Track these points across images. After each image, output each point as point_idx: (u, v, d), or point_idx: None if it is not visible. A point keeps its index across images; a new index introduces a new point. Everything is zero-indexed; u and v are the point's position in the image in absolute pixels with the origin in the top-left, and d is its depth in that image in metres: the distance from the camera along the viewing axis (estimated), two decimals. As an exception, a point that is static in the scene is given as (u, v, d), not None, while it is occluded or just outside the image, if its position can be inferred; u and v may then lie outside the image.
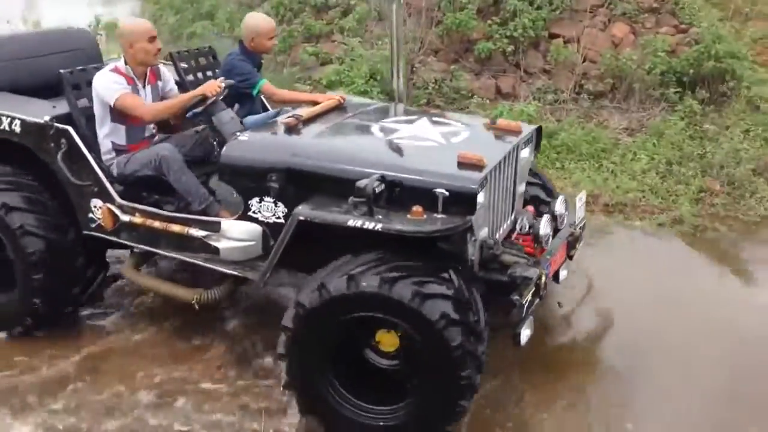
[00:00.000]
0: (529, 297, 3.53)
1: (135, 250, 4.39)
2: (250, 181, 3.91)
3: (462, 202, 3.50)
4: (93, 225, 4.26)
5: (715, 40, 7.63)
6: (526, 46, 8.20)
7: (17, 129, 4.22)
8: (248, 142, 3.95)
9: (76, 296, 4.41)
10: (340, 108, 4.46)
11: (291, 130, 4.01)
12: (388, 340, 3.54)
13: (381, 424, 3.45)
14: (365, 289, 3.23)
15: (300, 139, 3.99)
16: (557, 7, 8.33)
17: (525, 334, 3.52)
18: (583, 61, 8.06)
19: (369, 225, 3.44)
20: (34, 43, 4.72)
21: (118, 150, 4.25)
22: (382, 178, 3.52)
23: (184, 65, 4.99)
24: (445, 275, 3.32)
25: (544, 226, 3.83)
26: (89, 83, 4.24)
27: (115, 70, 4.21)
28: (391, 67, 4.71)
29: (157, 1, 10.91)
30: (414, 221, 3.47)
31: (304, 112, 4.22)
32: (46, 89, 4.47)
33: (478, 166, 3.64)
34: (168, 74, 4.53)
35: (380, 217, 3.43)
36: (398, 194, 3.54)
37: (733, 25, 8.57)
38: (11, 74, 4.46)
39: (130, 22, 4.51)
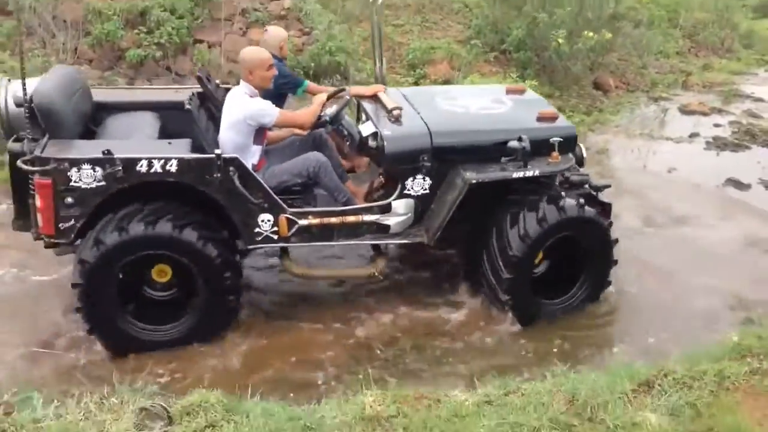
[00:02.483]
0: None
1: (286, 251, 4.86)
2: (408, 164, 4.76)
3: (568, 144, 4.96)
4: (259, 238, 4.61)
5: (329, 39, 9.36)
6: (174, 52, 9.17)
7: (172, 169, 4.28)
8: (399, 137, 4.78)
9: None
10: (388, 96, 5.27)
11: (397, 120, 4.91)
12: None
13: None
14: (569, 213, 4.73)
15: (431, 124, 4.87)
16: (198, 16, 9.44)
17: None
18: (228, 62, 9.28)
19: (529, 173, 4.76)
20: None
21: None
22: (520, 139, 4.66)
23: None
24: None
25: (584, 151, 5.24)
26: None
27: (254, 95, 4.65)
28: (374, 57, 5.65)
29: None
30: (555, 163, 4.84)
31: (389, 102, 5.06)
32: None
33: (554, 117, 5.12)
34: None
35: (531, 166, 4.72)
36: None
37: (348, 26, 10.43)
38: None
39: (252, 50, 4.81)
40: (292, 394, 4.11)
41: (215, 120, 4.97)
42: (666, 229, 6.47)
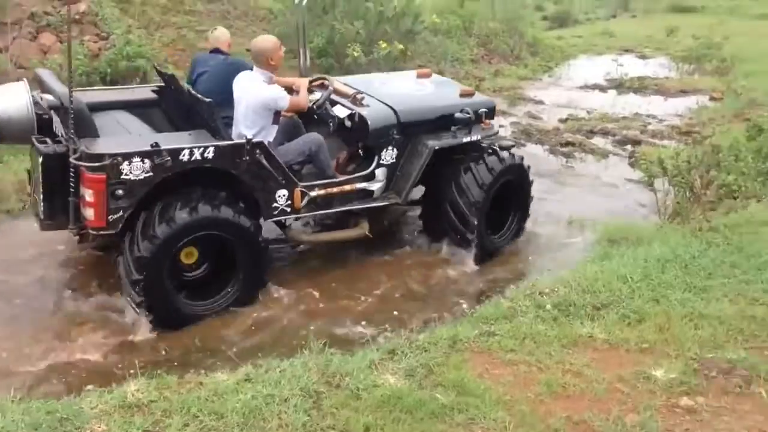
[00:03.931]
0: None
1: (286, 225, 5.53)
2: (383, 137, 5.59)
3: (491, 113, 6.15)
4: (276, 212, 5.16)
5: (127, 44, 9.26)
6: (-45, 57, 8.70)
7: (210, 155, 4.69)
8: (376, 116, 5.58)
9: None
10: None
11: (361, 103, 5.66)
12: None
13: None
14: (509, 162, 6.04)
15: (393, 105, 5.72)
16: (-18, 20, 9.01)
17: None
18: (18, 69, 8.92)
19: (474, 137, 5.89)
20: None
21: None
22: (465, 111, 5.71)
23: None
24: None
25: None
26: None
27: (270, 81, 5.20)
28: (299, 54, 6.87)
29: None
30: (487, 129, 6.09)
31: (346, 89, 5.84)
32: None
33: (472, 93, 6.28)
34: None
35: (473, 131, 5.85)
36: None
37: (148, 32, 10.36)
38: None
39: (263, 39, 5.32)
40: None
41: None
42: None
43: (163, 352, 4.72)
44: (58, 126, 4.92)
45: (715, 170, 6.43)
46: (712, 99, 12.77)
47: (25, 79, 5.10)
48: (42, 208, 4.80)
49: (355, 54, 10.25)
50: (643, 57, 17.93)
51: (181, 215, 4.64)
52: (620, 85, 13.81)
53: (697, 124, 10.77)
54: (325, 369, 3.83)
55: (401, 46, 10.86)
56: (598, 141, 10.07)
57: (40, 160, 4.66)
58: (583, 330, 4.21)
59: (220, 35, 5.95)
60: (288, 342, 4.75)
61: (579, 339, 4.12)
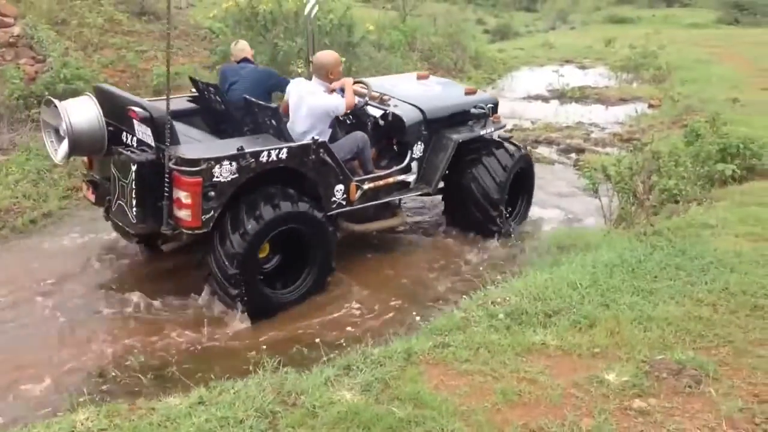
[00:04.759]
0: None
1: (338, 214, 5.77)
2: (415, 134, 6.20)
3: (496, 108, 6.90)
4: (334, 205, 5.63)
5: (63, 67, 9.06)
6: None
7: (284, 156, 5.17)
8: (409, 114, 6.21)
9: None
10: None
11: (387, 102, 6.29)
12: None
13: None
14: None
15: (417, 103, 6.34)
16: None
17: None
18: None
19: (489, 130, 6.67)
20: None
21: None
22: (480, 107, 6.48)
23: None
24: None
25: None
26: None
27: (328, 90, 5.73)
28: (309, 60, 6.86)
29: None
30: (498, 123, 6.85)
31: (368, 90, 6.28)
32: None
33: (474, 91, 7.06)
34: None
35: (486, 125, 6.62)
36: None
37: (86, 54, 10.15)
38: None
39: (327, 54, 5.94)
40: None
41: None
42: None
43: (113, 374, 4.62)
44: (144, 135, 5.12)
45: (656, 175, 6.59)
46: (650, 106, 13.13)
47: (89, 93, 5.42)
48: (134, 213, 5.04)
49: (299, 70, 10.24)
50: (583, 67, 18.36)
51: (286, 204, 5.19)
52: (562, 95, 14.11)
53: (637, 131, 11.05)
54: (280, 388, 3.77)
55: (342, 59, 10.88)
56: (543, 150, 10.26)
57: (134, 168, 4.93)
58: (536, 337, 4.24)
59: (244, 46, 6.42)
60: (242, 361, 4.69)
61: (532, 347, 4.15)
